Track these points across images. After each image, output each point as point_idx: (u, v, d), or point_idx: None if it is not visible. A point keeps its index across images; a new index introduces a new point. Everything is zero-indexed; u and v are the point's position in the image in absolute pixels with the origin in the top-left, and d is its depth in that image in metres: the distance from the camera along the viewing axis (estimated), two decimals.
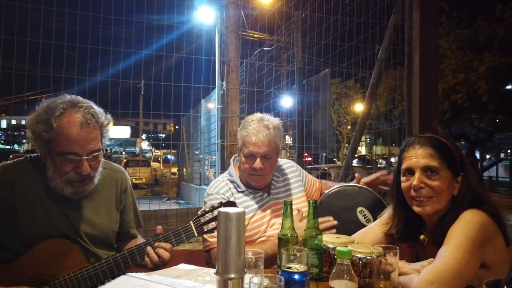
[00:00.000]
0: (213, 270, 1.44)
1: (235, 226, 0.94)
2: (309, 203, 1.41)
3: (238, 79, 2.81)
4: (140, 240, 1.75)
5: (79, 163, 1.44)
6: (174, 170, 12.47)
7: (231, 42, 2.81)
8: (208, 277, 1.37)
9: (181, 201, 9.61)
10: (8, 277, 1.40)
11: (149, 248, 1.49)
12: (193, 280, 1.33)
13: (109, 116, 1.56)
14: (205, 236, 1.85)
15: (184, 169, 10.26)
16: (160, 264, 1.49)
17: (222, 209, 0.95)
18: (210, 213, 1.61)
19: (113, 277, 1.48)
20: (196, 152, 9.61)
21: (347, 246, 1.39)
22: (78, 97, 1.51)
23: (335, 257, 1.01)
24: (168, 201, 8.82)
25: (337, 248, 0.98)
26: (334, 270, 0.99)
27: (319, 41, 4.33)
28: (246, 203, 1.95)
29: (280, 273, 1.00)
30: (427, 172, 1.39)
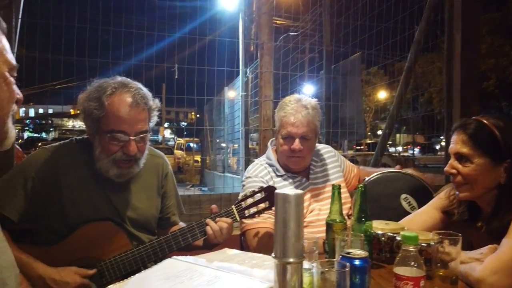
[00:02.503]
0: (258, 255, 1.43)
1: (294, 208, 0.90)
2: (358, 188, 1.35)
3: (271, 63, 2.73)
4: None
5: (127, 143, 1.44)
6: (197, 158, 12.56)
7: (263, 25, 2.73)
8: (254, 261, 1.34)
9: (204, 188, 9.67)
10: (53, 259, 1.41)
11: (209, 220, 1.51)
12: (239, 264, 1.30)
13: (157, 100, 1.56)
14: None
15: (207, 157, 10.31)
16: (219, 237, 1.51)
17: (280, 191, 0.91)
18: (251, 197, 1.58)
19: (156, 261, 1.48)
20: (218, 141, 9.62)
21: (398, 233, 1.33)
22: (128, 79, 1.51)
23: (400, 243, 0.95)
24: (192, 188, 8.89)
25: (402, 233, 0.93)
26: (398, 258, 0.94)
27: (354, 21, 4.16)
28: (284, 188, 1.91)
29: (340, 258, 0.95)
30: (460, 159, 1.38)
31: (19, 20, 2.20)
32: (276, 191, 0.92)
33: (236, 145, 7.49)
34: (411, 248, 0.92)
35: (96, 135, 1.46)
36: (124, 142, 1.44)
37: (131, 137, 1.44)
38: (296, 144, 1.82)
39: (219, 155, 9.13)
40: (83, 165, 1.52)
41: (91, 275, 1.42)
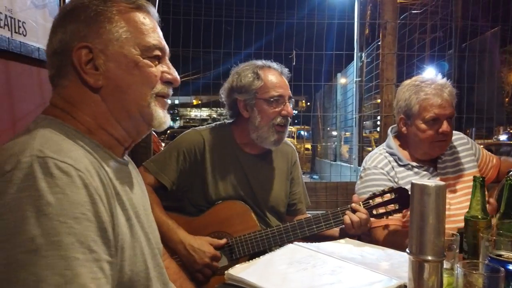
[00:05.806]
0: (383, 248, 1.35)
1: (433, 201, 0.82)
2: (506, 181, 1.16)
3: (395, 43, 2.53)
4: None
5: (284, 106, 1.63)
6: (308, 146, 12.56)
7: (387, 2, 2.54)
8: (380, 253, 1.28)
9: (315, 176, 9.65)
10: (191, 228, 1.58)
11: (348, 212, 1.52)
12: (362, 256, 1.25)
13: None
14: None
15: (318, 145, 10.25)
16: (358, 228, 1.49)
17: (418, 181, 0.83)
18: (379, 197, 1.52)
19: (281, 246, 1.52)
20: (328, 129, 9.46)
21: None
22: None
23: None
24: (303, 176, 8.96)
25: None
26: None
27: None
28: (408, 178, 1.76)
29: (487, 260, 0.84)
30: None
31: None
32: (413, 181, 0.84)
33: (348, 133, 7.27)
34: None
35: (254, 107, 1.63)
36: (282, 105, 1.63)
37: (287, 100, 1.64)
38: (446, 126, 1.69)
39: (330, 143, 8.99)
40: (225, 147, 1.68)
41: (222, 245, 1.56)
